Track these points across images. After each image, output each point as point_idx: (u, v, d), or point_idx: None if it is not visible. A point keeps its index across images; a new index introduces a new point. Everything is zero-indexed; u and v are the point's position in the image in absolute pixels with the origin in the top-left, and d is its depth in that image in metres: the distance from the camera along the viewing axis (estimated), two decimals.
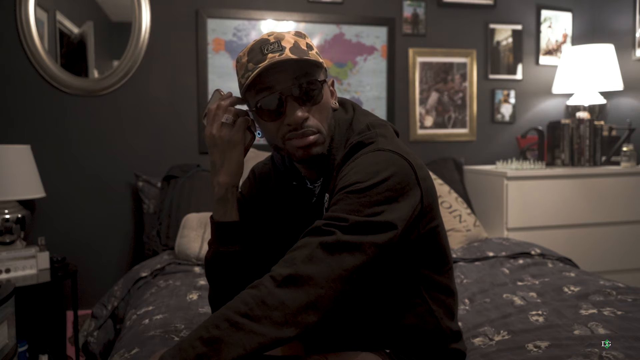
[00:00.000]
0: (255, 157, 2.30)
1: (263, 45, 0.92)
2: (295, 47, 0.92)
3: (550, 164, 2.73)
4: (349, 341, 0.99)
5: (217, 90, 1.04)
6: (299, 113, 0.91)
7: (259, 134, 1.03)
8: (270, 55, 0.90)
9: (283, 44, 0.91)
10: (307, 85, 0.92)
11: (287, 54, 0.90)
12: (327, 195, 0.97)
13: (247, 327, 0.75)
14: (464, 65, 2.90)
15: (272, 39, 0.93)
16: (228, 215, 1.00)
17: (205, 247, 1.99)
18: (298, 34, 0.96)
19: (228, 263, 1.00)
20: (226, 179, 0.99)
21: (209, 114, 1.00)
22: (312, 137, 0.93)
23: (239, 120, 0.99)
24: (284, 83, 0.91)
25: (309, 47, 0.95)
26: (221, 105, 0.99)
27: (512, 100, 2.98)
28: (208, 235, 2.02)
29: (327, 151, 0.96)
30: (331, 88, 1.02)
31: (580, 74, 2.71)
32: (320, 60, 0.96)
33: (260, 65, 0.90)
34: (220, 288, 1.03)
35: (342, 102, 1.06)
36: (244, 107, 1.02)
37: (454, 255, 2.09)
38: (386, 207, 0.85)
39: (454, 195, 2.46)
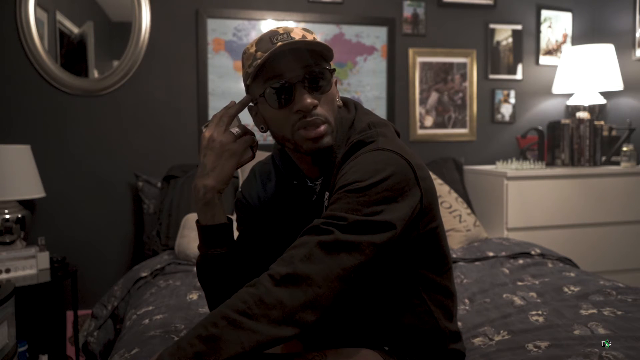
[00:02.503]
0: (256, 157, 2.30)
1: (272, 36, 0.93)
2: (303, 39, 0.93)
3: (550, 164, 2.73)
4: (348, 339, 0.99)
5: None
6: (309, 100, 0.91)
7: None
8: (280, 44, 0.90)
9: (292, 35, 0.93)
10: (317, 73, 0.92)
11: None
12: (327, 193, 0.97)
13: (246, 325, 0.75)
14: (464, 65, 2.90)
15: (281, 30, 0.94)
16: (216, 218, 0.99)
17: None
18: (305, 29, 0.97)
19: (218, 266, 1.00)
20: (213, 183, 0.96)
21: (213, 118, 0.99)
22: (322, 128, 0.93)
23: (247, 136, 0.99)
24: (294, 70, 0.91)
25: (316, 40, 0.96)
26: (228, 112, 0.98)
27: (512, 100, 2.98)
28: None
29: (333, 141, 0.96)
30: (334, 82, 1.02)
31: (580, 74, 2.71)
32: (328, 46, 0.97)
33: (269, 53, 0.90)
34: (213, 291, 1.03)
35: (345, 101, 1.06)
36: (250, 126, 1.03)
37: (454, 255, 2.09)
38: (385, 207, 0.85)
39: (454, 195, 2.46)
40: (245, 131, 1.00)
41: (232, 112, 0.98)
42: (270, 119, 0.97)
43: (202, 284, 1.04)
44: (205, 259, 1.01)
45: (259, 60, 0.91)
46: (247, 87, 0.99)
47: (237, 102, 1.00)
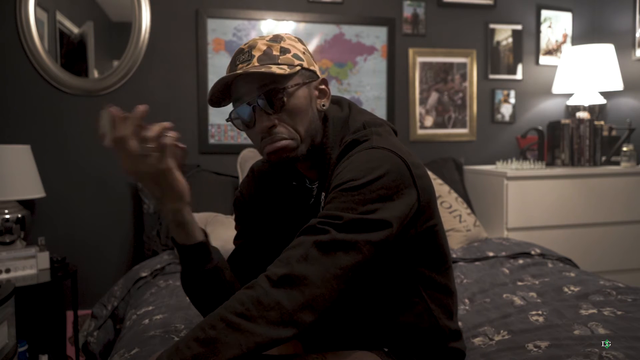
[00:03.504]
0: (255, 157, 2.30)
1: (237, 56, 0.95)
2: (264, 55, 0.93)
3: (550, 164, 2.73)
4: (347, 340, 0.99)
5: (108, 111, 0.81)
6: (265, 122, 0.92)
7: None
8: (239, 65, 0.93)
9: (254, 52, 0.93)
10: (272, 93, 0.92)
11: (254, 63, 0.92)
12: (323, 194, 0.97)
13: (244, 327, 0.75)
14: (464, 65, 2.90)
15: (245, 48, 0.95)
16: (191, 237, 0.94)
17: None
18: (274, 38, 0.96)
19: (200, 283, 0.99)
20: (175, 205, 0.90)
21: (113, 146, 0.80)
22: (281, 143, 0.93)
23: (161, 146, 0.83)
24: (251, 93, 0.93)
25: (283, 50, 0.94)
26: (125, 136, 0.80)
27: (512, 100, 2.98)
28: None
29: (306, 153, 0.97)
30: (321, 87, 1.00)
31: (580, 74, 2.71)
32: (296, 62, 0.94)
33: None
34: (199, 302, 1.02)
35: (338, 101, 1.06)
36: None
37: (454, 255, 2.09)
38: (380, 205, 0.85)
39: (454, 195, 2.46)
40: (154, 137, 0.82)
41: (127, 136, 0.81)
42: (247, 136, 1.00)
43: (190, 298, 1.04)
44: (187, 277, 1.00)
45: (217, 87, 0.94)
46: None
47: (116, 111, 0.82)
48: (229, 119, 0.97)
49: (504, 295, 1.60)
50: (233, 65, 0.94)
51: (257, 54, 0.93)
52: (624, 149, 2.64)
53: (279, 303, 0.77)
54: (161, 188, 0.88)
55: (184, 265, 0.99)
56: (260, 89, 0.92)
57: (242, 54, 0.94)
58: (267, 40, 0.95)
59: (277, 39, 0.96)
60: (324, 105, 1.00)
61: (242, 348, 0.75)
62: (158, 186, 0.87)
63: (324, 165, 0.98)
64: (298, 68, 0.95)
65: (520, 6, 2.97)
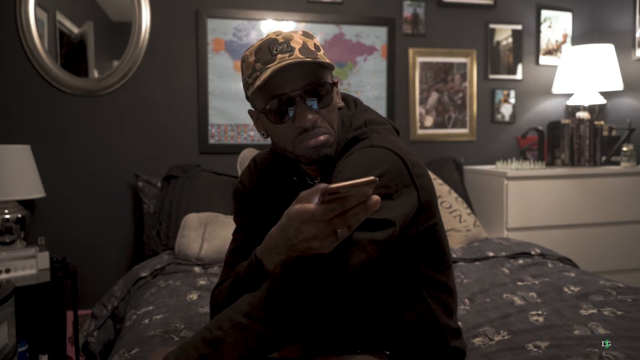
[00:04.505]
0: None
1: (272, 45, 0.90)
2: (304, 48, 0.91)
3: (550, 164, 2.73)
4: (349, 342, 0.99)
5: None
6: (310, 116, 0.90)
7: None
8: (279, 55, 0.88)
9: (292, 44, 0.90)
10: (318, 88, 0.91)
11: (297, 54, 0.89)
12: None
13: (249, 327, 0.75)
14: (464, 65, 2.90)
15: (280, 39, 0.91)
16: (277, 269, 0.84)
17: (206, 247, 1.99)
18: (306, 34, 0.95)
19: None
20: (302, 254, 0.76)
21: (320, 213, 0.66)
22: (323, 137, 0.92)
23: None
24: (295, 85, 0.89)
25: (317, 47, 0.94)
26: (347, 214, 0.68)
27: (512, 100, 2.98)
28: (208, 235, 2.02)
29: (334, 152, 0.95)
30: (335, 88, 1.01)
31: (580, 74, 2.71)
32: (327, 60, 0.95)
33: (269, 66, 0.88)
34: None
35: (345, 98, 1.06)
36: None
37: (454, 255, 2.09)
38: (381, 204, 0.84)
39: (454, 195, 2.46)
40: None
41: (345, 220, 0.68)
42: (270, 130, 0.96)
43: (217, 310, 0.95)
44: (241, 293, 0.87)
45: (260, 78, 0.88)
46: (249, 94, 0.97)
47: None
48: (263, 110, 0.92)
49: (504, 295, 1.60)
50: (267, 54, 0.89)
51: (296, 46, 0.90)
52: (624, 149, 2.64)
53: (284, 303, 0.77)
54: (307, 248, 0.72)
55: (250, 287, 0.86)
56: (307, 82, 0.90)
57: (278, 44, 0.90)
58: (301, 35, 0.93)
59: (308, 35, 0.95)
60: (340, 102, 1.01)
61: (247, 349, 0.75)
62: (309, 249, 0.72)
63: (326, 162, 0.98)
64: (332, 66, 0.96)
65: (520, 6, 2.97)
